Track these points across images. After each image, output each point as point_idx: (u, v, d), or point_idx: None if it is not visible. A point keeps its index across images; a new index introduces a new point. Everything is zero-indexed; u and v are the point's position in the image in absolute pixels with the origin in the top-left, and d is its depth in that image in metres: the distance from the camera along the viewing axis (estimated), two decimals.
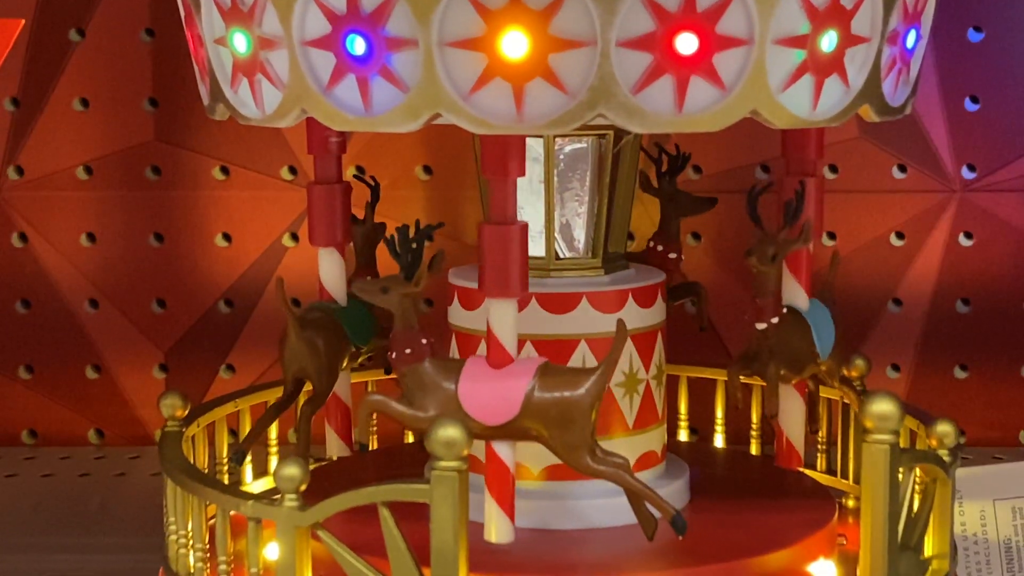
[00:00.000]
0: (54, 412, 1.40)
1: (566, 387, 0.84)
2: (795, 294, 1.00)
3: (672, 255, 1.09)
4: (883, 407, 0.80)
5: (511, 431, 0.85)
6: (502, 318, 0.85)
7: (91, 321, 1.39)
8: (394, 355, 0.86)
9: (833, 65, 0.81)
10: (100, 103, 1.37)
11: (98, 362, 1.40)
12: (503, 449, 0.87)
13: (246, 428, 1.03)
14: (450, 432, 0.75)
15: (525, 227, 0.85)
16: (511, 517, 0.88)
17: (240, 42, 0.82)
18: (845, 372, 1.03)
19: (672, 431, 1.11)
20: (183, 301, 1.39)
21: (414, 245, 0.86)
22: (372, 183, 1.12)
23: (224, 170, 1.38)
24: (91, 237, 1.39)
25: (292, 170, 1.37)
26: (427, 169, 1.37)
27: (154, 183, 1.38)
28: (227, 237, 1.39)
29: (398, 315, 0.87)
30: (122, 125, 1.37)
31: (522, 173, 0.85)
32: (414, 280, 0.86)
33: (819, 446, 1.07)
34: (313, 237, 1.04)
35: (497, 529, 0.88)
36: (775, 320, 0.97)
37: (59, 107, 1.37)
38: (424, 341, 0.86)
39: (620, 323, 0.85)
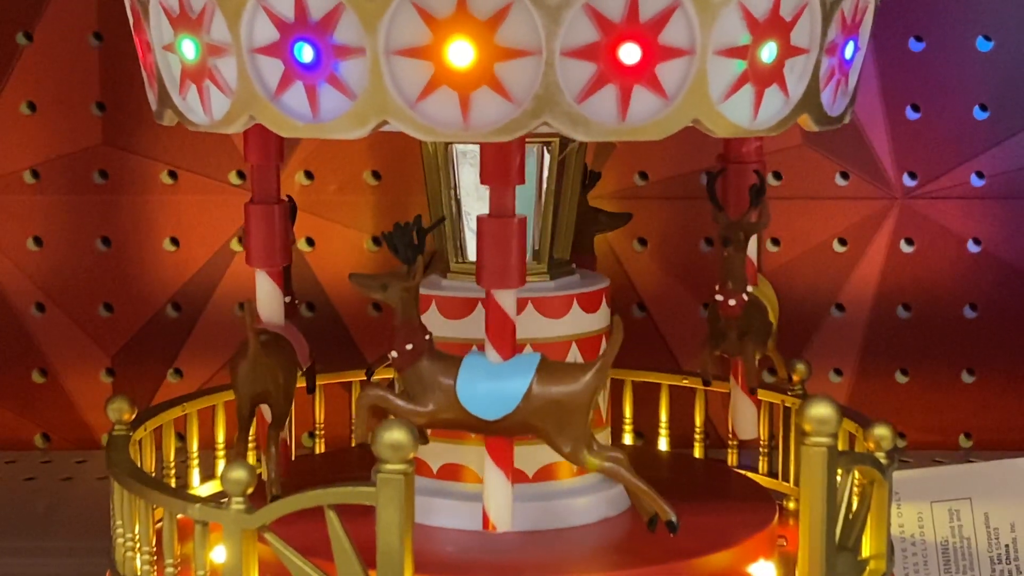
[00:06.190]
0: None
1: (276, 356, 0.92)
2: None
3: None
4: (821, 411, 0.81)
5: None
6: (264, 287, 0.96)
7: (37, 325, 1.39)
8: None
9: (773, 76, 0.82)
10: (47, 107, 1.36)
11: (44, 366, 1.39)
12: None
13: (194, 433, 1.03)
14: (396, 435, 0.75)
15: (285, 207, 0.96)
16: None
17: (188, 49, 0.82)
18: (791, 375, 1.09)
19: (617, 435, 1.12)
20: (130, 305, 1.39)
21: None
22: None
23: (172, 174, 1.37)
24: (38, 241, 1.38)
25: (240, 175, 1.37)
26: (376, 174, 1.38)
27: (101, 187, 1.37)
28: (175, 241, 1.38)
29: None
30: (69, 129, 1.37)
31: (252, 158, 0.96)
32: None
33: (761, 449, 1.08)
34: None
35: None
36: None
37: (6, 111, 1.36)
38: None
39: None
